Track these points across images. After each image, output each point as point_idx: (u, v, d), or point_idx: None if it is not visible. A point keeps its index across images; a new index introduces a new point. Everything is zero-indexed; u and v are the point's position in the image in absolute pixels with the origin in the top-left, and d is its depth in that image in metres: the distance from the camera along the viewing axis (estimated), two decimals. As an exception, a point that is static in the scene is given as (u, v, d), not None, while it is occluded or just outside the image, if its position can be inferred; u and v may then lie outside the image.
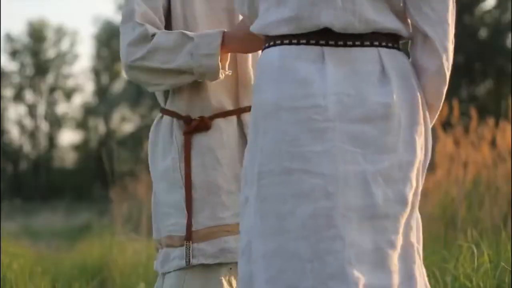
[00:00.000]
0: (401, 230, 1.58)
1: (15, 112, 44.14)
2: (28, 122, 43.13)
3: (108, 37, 41.73)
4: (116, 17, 43.54)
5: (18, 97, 42.90)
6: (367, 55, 1.59)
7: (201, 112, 2.18)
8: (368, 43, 1.59)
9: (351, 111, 1.54)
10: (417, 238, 1.65)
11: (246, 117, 2.18)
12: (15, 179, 41.87)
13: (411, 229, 1.63)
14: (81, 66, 72.17)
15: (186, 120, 2.19)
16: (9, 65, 42.98)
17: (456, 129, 7.98)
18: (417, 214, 1.69)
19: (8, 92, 43.11)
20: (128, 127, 44.94)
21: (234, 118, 2.21)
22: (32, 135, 43.01)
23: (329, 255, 1.50)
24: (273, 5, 1.61)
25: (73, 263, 7.57)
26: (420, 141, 1.60)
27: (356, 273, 1.49)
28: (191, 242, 2.13)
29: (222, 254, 2.13)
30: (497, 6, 35.24)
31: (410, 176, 1.59)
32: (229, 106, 2.21)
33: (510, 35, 32.77)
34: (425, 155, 1.65)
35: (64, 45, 43.27)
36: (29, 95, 42.96)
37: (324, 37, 1.58)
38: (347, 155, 1.53)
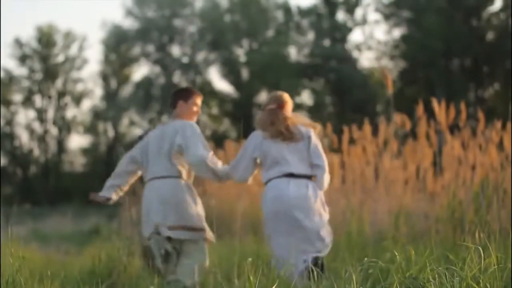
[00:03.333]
0: None
1: (24, 116, 44.34)
2: (37, 127, 43.30)
3: (116, 42, 41.82)
4: (124, 22, 43.79)
5: (27, 102, 43.06)
6: (303, 180, 5.18)
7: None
8: (304, 177, 5.21)
9: (295, 199, 5.15)
10: None
11: None
12: (25, 183, 42.02)
13: None
14: (89, 71, 72.37)
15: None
16: (19, 70, 43.13)
17: (464, 131, 7.99)
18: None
19: (18, 97, 43.31)
20: (136, 131, 45.04)
21: None
22: (42, 139, 43.15)
23: None
24: (271, 167, 5.23)
25: (82, 266, 7.60)
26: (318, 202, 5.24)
27: None
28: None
29: None
30: (504, 9, 35.16)
31: (320, 211, 5.25)
32: None
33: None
34: (324, 206, 5.27)
35: (73, 50, 43.45)
36: (38, 100, 43.12)
37: (290, 175, 5.18)
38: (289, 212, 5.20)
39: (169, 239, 5.35)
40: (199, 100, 5.55)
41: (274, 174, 5.20)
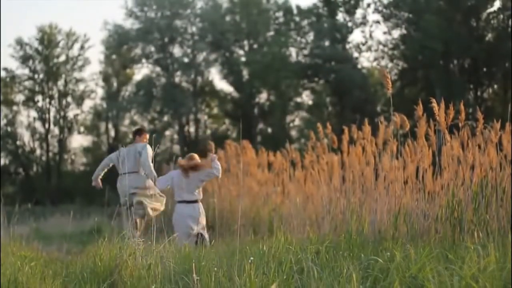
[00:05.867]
0: None
1: (26, 116, 44.35)
2: (39, 127, 43.34)
3: (117, 42, 41.83)
4: (125, 23, 43.78)
5: (29, 102, 43.11)
6: (191, 204, 9.45)
7: None
8: (193, 202, 9.45)
9: (188, 216, 9.47)
10: None
11: None
12: (27, 183, 42.05)
13: None
14: (91, 71, 72.42)
15: None
16: (20, 70, 43.16)
17: (463, 132, 8.02)
18: None
19: (20, 97, 43.38)
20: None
21: None
22: (43, 139, 43.19)
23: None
24: (176, 192, 9.55)
25: (83, 266, 7.63)
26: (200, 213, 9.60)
27: None
28: None
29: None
30: (503, 10, 35.16)
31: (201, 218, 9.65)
32: None
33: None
34: (202, 214, 9.63)
35: (75, 50, 43.49)
36: (40, 100, 43.17)
37: (185, 201, 9.53)
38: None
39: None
40: (147, 135, 9.92)
41: (177, 199, 9.56)
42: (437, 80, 34.19)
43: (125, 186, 9.21)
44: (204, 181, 9.59)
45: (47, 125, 43.05)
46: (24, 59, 42.64)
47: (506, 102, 32.84)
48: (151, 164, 9.28)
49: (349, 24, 40.52)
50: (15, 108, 43.18)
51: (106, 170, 9.90)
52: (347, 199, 9.14)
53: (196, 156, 9.55)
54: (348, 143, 9.96)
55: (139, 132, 10.02)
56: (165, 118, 43.33)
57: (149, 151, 9.30)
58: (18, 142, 42.99)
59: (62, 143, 43.39)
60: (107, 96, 43.73)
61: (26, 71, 42.89)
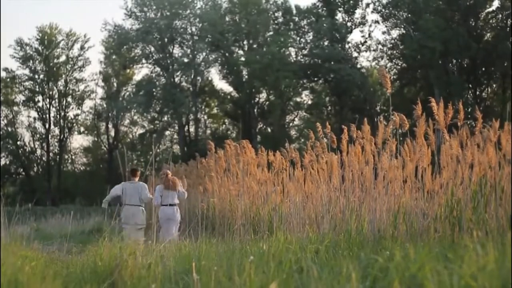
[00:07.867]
0: None
1: (27, 117, 44.43)
2: (39, 127, 43.37)
3: (117, 43, 41.86)
4: (125, 23, 43.84)
5: (29, 102, 43.13)
6: (173, 207, 12.25)
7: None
8: (173, 205, 12.27)
9: (170, 214, 12.25)
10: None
11: None
12: (27, 183, 42.07)
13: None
14: (91, 71, 72.37)
15: None
16: (21, 71, 43.21)
17: (462, 131, 8.03)
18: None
19: (20, 97, 43.41)
20: (137, 131, 45.11)
21: None
22: (44, 139, 43.20)
23: None
24: (163, 199, 12.36)
25: (84, 266, 7.64)
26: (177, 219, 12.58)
27: None
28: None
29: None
30: (502, 9, 35.18)
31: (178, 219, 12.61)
32: None
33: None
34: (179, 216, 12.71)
35: (75, 50, 43.53)
36: (40, 100, 43.20)
37: (169, 204, 12.37)
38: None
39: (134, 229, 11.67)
40: (138, 173, 12.37)
41: (163, 203, 11.94)
42: (436, 80, 34.22)
43: (130, 214, 11.85)
44: (177, 194, 12.28)
45: (47, 125, 43.11)
46: (24, 60, 42.70)
47: (504, 102, 32.91)
48: (148, 193, 11.97)
49: (348, 24, 40.57)
50: (15, 108, 43.27)
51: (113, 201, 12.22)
52: (346, 198, 9.15)
53: (169, 172, 12.40)
54: (348, 143, 9.97)
55: (133, 172, 12.37)
56: (165, 118, 43.39)
57: (145, 187, 12.04)
58: (18, 143, 43.05)
59: (62, 143, 43.43)
60: (107, 96, 43.78)
61: (27, 71, 43.00)
